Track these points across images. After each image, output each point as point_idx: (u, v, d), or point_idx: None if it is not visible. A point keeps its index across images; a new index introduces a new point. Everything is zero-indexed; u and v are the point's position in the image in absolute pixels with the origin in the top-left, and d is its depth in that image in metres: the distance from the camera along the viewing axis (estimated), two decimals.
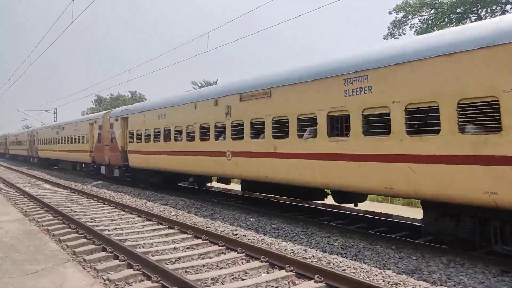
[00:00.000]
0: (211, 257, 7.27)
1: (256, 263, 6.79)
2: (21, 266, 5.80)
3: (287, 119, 9.86)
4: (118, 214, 11.80)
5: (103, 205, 13.62)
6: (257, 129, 10.87)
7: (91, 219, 10.92)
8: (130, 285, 5.83)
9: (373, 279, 5.99)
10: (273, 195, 13.34)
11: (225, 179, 14.06)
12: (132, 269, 6.33)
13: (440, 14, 26.99)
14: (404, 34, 28.71)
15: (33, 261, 6.09)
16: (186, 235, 8.89)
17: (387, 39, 29.13)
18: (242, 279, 6.11)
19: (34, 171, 30.66)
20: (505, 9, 24.58)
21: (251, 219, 10.72)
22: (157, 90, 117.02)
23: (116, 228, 9.78)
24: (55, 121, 46.15)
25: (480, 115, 6.32)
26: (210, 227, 9.69)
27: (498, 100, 6.10)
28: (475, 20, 25.20)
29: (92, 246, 7.83)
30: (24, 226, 8.85)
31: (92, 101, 70.36)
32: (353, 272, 6.32)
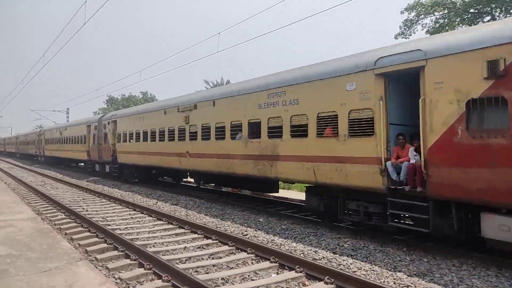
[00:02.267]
0: (221, 257, 7.29)
1: (266, 264, 6.80)
2: (35, 264, 5.89)
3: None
4: (129, 214, 11.90)
5: (115, 204, 13.75)
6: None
7: (102, 218, 11.04)
8: (141, 284, 5.89)
9: (384, 281, 5.96)
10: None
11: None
12: (143, 268, 6.39)
13: (452, 13, 26.63)
14: (415, 33, 28.42)
15: (46, 259, 6.17)
16: (196, 235, 8.93)
17: (398, 38, 28.87)
18: (252, 280, 6.12)
19: (46, 170, 31.08)
20: None
21: (261, 220, 10.73)
22: (168, 90, 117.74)
23: (127, 228, 9.87)
24: (67, 121, 46.74)
25: None
26: (220, 227, 9.73)
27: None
28: (489, 20, 24.84)
29: (104, 245, 7.91)
30: (37, 225, 8.98)
31: (104, 101, 70.83)
32: (363, 274, 6.28)
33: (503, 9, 24.68)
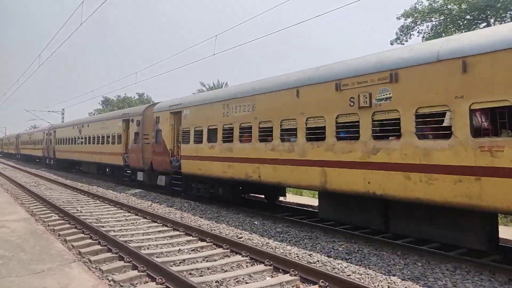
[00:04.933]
0: (215, 260, 7.27)
1: (261, 267, 6.78)
2: (28, 266, 5.84)
3: None
4: (124, 216, 11.84)
5: (109, 206, 13.68)
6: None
7: (96, 220, 10.98)
8: (134, 287, 5.85)
9: (378, 285, 5.96)
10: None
11: None
12: (137, 271, 6.35)
13: (448, 20, 26.87)
14: (410, 39, 28.66)
15: (39, 260, 6.13)
16: (191, 238, 8.90)
17: (394, 44, 29.06)
18: (247, 283, 6.10)
19: (41, 172, 30.81)
20: None
21: (256, 223, 10.71)
22: (164, 92, 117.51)
23: (121, 229, 9.82)
24: (62, 122, 46.28)
25: None
26: (215, 230, 9.70)
27: None
28: (485, 27, 25.06)
29: (98, 247, 7.86)
30: (30, 226, 8.91)
31: (99, 103, 71.00)
32: (358, 278, 6.28)
33: (498, 16, 24.94)
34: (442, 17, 27.33)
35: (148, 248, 8.02)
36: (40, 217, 11.10)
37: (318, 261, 7.19)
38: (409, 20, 28.04)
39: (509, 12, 24.44)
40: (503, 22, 24.18)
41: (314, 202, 13.74)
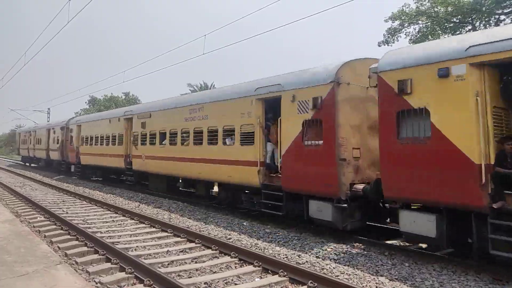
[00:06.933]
0: (204, 261, 7.23)
1: (250, 268, 6.77)
2: (12, 268, 5.73)
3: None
4: (111, 217, 11.71)
5: (96, 207, 13.51)
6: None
7: (83, 221, 10.83)
8: None
9: (366, 285, 6.01)
10: None
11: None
12: (124, 272, 6.29)
13: (435, 23, 27.19)
14: (398, 41, 28.90)
15: (24, 262, 6.02)
16: (179, 239, 8.84)
17: (381, 46, 29.28)
18: (236, 284, 6.09)
19: (25, 172, 30.35)
20: (500, 19, 24.82)
21: (244, 223, 10.69)
22: (151, 92, 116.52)
23: (108, 231, 9.70)
24: (48, 122, 45.90)
25: None
26: (203, 231, 9.65)
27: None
28: (470, 30, 25.47)
29: (84, 248, 7.76)
30: (15, 227, 8.75)
31: (85, 102, 69.68)
32: (346, 278, 6.32)
33: (483, 19, 25.36)
34: (429, 20, 27.63)
35: (136, 250, 7.94)
36: (25, 218, 10.90)
37: (307, 261, 7.21)
38: (397, 22, 28.30)
39: (494, 16, 24.86)
40: (488, 26, 24.60)
41: None
